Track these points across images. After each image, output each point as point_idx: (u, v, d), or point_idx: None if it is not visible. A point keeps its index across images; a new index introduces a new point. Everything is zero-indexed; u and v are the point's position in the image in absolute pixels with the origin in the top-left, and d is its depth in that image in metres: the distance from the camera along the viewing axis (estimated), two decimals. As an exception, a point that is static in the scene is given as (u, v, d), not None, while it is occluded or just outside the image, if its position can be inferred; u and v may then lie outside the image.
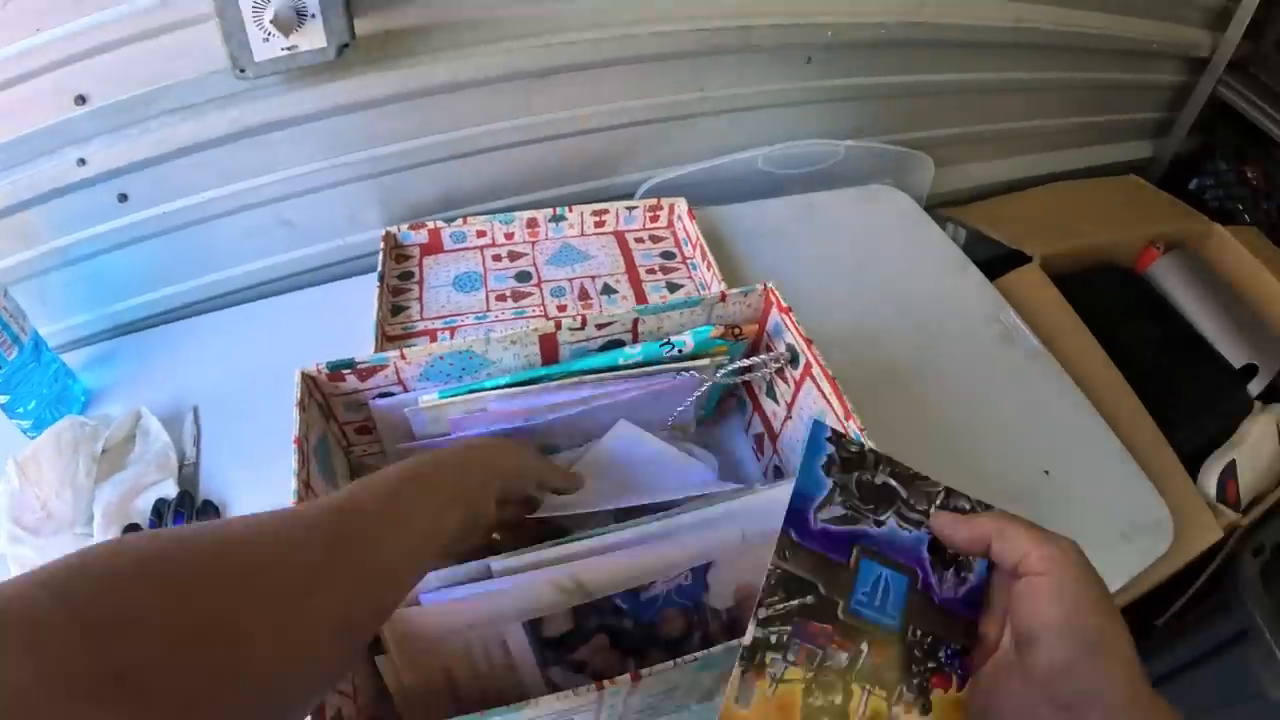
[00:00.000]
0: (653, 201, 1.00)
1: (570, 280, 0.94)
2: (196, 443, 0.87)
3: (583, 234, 0.99)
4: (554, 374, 0.66)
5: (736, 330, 0.76)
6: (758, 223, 1.06)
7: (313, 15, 0.75)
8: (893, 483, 0.38)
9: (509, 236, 0.98)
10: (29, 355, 0.88)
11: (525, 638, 0.53)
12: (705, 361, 0.76)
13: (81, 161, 0.85)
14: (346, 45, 0.80)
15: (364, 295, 0.91)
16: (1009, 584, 0.36)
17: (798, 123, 1.10)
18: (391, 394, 0.70)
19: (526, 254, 0.97)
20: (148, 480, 0.85)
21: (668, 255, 0.98)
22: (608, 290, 0.94)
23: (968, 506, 0.39)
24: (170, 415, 0.88)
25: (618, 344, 0.70)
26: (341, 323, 0.91)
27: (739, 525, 0.57)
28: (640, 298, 0.93)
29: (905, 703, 0.35)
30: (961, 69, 1.15)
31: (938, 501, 0.39)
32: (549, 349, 0.69)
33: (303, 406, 0.63)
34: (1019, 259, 1.15)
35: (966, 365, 0.92)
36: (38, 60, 0.75)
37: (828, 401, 0.63)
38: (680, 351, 0.73)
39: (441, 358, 0.66)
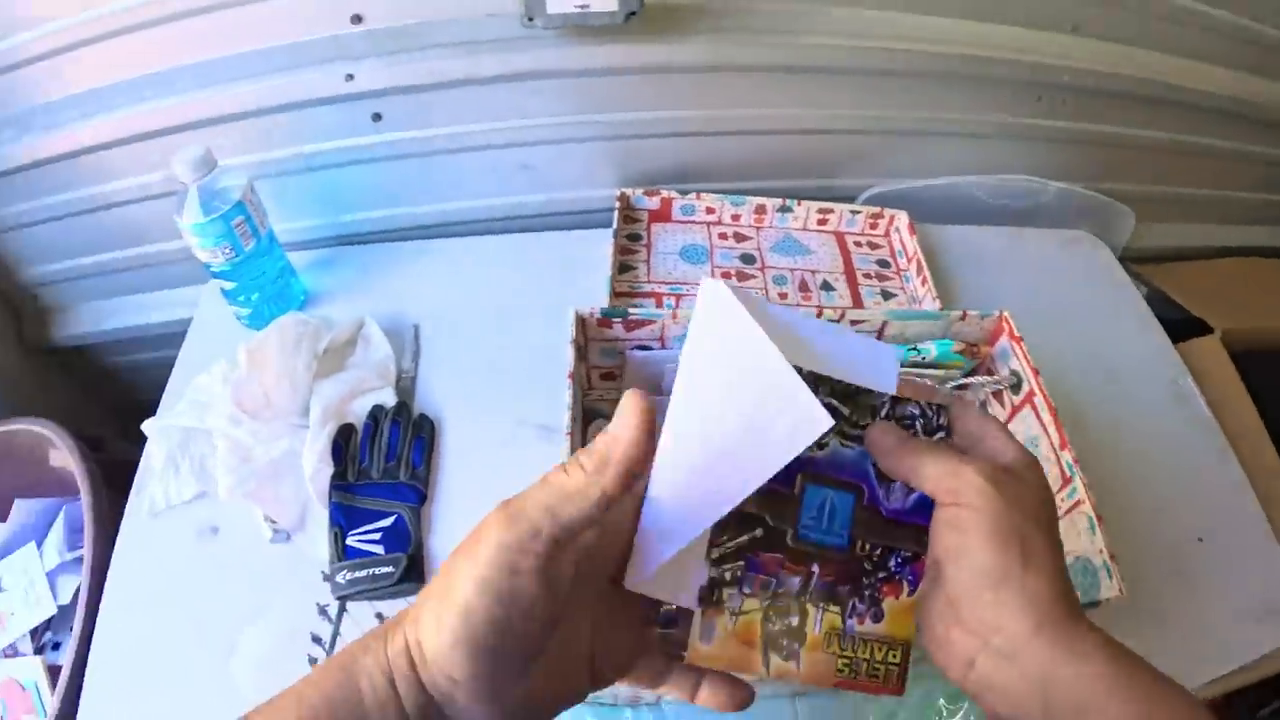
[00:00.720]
0: (876, 210, 1.01)
1: (792, 271, 0.95)
2: (416, 358, 0.89)
3: (805, 228, 1.00)
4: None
5: (975, 348, 0.77)
6: (965, 246, 1.07)
7: (610, -22, 0.78)
8: (834, 401, 0.37)
9: (735, 218, 0.99)
10: (263, 249, 0.90)
11: None
12: (938, 372, 0.77)
13: (349, 77, 0.87)
14: (634, 13, 0.82)
15: (589, 247, 0.93)
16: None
17: (1014, 156, 1.11)
18: (648, 348, 0.72)
19: (751, 238, 0.99)
20: (368, 385, 0.87)
21: (883, 263, 0.99)
22: (826, 287, 0.95)
23: (915, 412, 0.38)
24: (388, 329, 0.90)
25: None
26: (564, 269, 0.93)
27: None
28: (856, 299, 0.94)
29: (858, 615, 0.36)
30: (1176, 129, 1.15)
31: (882, 414, 0.37)
32: None
33: (577, 345, 0.64)
34: (1199, 327, 1.15)
35: (1138, 420, 0.92)
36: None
37: (1044, 429, 0.64)
38: (924, 359, 0.74)
39: None
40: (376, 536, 0.77)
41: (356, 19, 0.84)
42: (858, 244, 1.01)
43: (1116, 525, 0.75)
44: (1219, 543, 0.82)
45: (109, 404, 1.27)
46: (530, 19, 0.82)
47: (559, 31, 0.84)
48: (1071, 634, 0.31)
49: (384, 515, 0.78)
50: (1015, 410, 0.71)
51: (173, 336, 1.03)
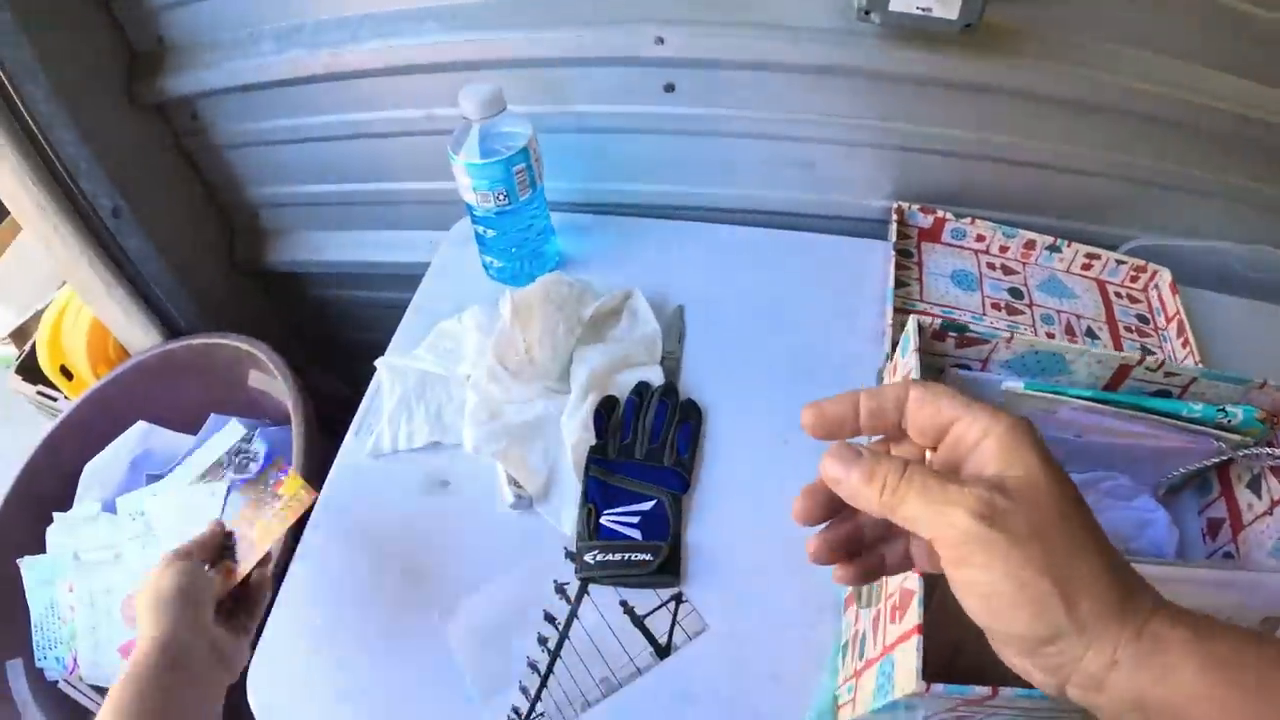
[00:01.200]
0: (1140, 263, 0.98)
1: (1058, 313, 0.93)
2: (681, 339, 0.87)
3: (1069, 271, 0.98)
4: (1123, 402, 0.66)
5: (1276, 417, 0.74)
6: (1219, 314, 1.03)
7: (953, -13, 0.76)
8: None
9: (1003, 250, 0.97)
10: (534, 202, 0.88)
11: None
12: (1235, 437, 0.75)
13: (660, 40, 0.84)
14: (971, 25, 0.79)
15: (860, 254, 0.91)
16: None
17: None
18: (970, 368, 0.69)
19: (1018, 272, 0.96)
20: (635, 359, 0.85)
21: (1142, 319, 0.96)
22: (1091, 334, 0.92)
23: None
24: (652, 304, 0.88)
25: (1164, 394, 0.69)
26: (834, 273, 0.91)
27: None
28: (1118, 350, 0.91)
29: None
30: None
31: None
32: (1119, 377, 0.68)
33: (921, 354, 0.62)
34: None
35: None
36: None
37: None
38: (1228, 422, 0.72)
39: (1036, 352, 0.66)
40: (634, 520, 0.73)
41: (681, -17, 0.82)
42: (1118, 295, 0.98)
43: None
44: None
45: (313, 336, 1.26)
46: (868, 13, 0.79)
47: (894, 31, 0.82)
48: (1153, 647, 0.27)
49: (644, 499, 0.74)
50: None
51: (395, 279, 1.01)
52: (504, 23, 0.88)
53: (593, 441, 0.77)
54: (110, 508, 0.97)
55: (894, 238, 0.90)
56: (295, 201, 1.09)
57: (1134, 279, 0.99)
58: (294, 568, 0.72)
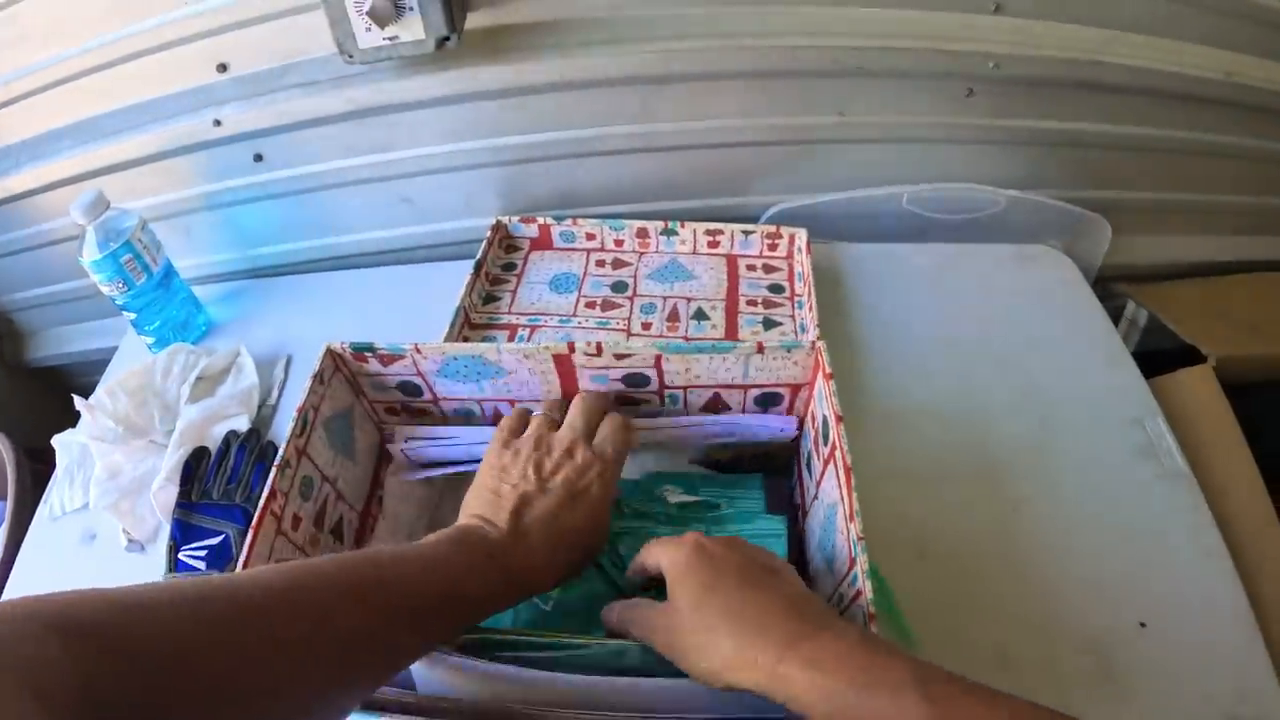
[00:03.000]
0: (772, 229, 0.94)
1: (665, 298, 0.90)
2: (281, 388, 0.92)
3: (694, 252, 0.95)
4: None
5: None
6: (889, 268, 0.97)
7: (410, 8, 0.76)
8: None
9: (618, 243, 0.95)
10: (157, 283, 0.96)
11: None
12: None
13: (217, 122, 0.91)
14: (446, 39, 0.80)
15: (463, 277, 0.91)
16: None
17: (954, 163, 0.99)
18: (412, 384, 0.69)
19: (631, 264, 0.94)
20: (229, 412, 0.91)
21: (776, 289, 0.92)
22: (700, 315, 0.89)
23: None
24: (269, 359, 0.94)
25: (640, 379, 0.65)
26: (434, 299, 0.92)
27: None
28: (731, 329, 0.88)
29: None
30: (1154, 124, 0.99)
31: None
32: (565, 371, 0.65)
33: (319, 379, 0.63)
34: (1189, 356, 0.99)
35: (1084, 476, 0.77)
36: (187, 29, 0.81)
37: (840, 492, 0.55)
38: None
39: (455, 358, 0.65)
40: (203, 554, 0.81)
41: (222, 68, 0.88)
42: (751, 268, 0.94)
43: (1032, 607, 0.67)
44: (1179, 626, 0.66)
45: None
46: (349, 56, 0.81)
47: (390, 63, 0.83)
48: (812, 655, 0.39)
49: (214, 534, 0.82)
50: (825, 465, 0.62)
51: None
52: (111, 130, 0.95)
53: (176, 488, 0.85)
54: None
55: (481, 253, 0.91)
56: (34, 304, 1.18)
57: (773, 246, 0.95)
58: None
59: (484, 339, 0.88)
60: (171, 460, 0.86)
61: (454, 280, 0.95)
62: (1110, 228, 1.03)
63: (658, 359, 0.63)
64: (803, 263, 0.91)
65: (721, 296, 0.91)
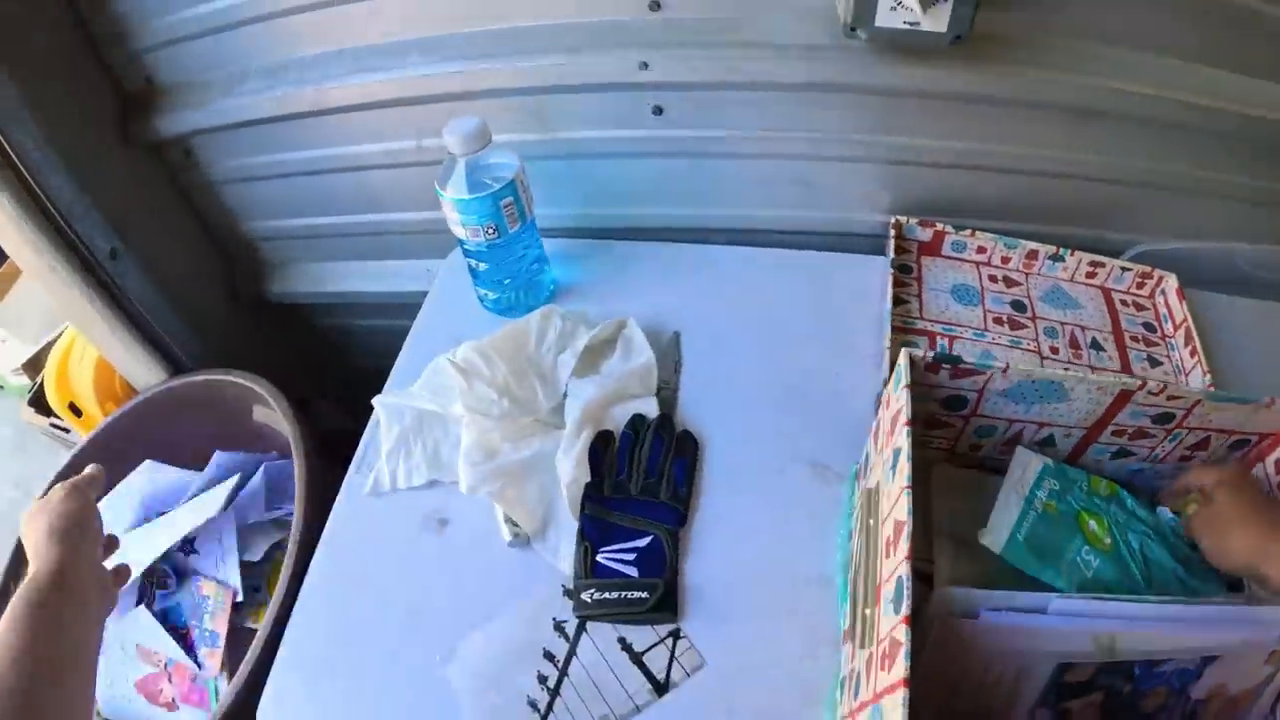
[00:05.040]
0: (1146, 269, 0.96)
1: (1062, 325, 0.91)
2: (678, 368, 0.86)
3: (1073, 280, 0.96)
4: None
5: None
6: (1224, 315, 1.01)
7: (944, 0, 0.73)
8: None
9: (1005, 260, 0.95)
10: (525, 234, 0.87)
11: (1049, 675, 0.56)
12: None
13: (644, 65, 0.84)
14: (960, 37, 0.78)
15: (857, 272, 0.90)
16: None
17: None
18: (963, 399, 0.68)
19: (1021, 284, 0.94)
20: (629, 391, 0.84)
21: (1149, 327, 0.94)
22: (1096, 346, 0.90)
23: None
24: (647, 332, 0.87)
25: (1168, 417, 0.67)
26: (833, 292, 0.90)
27: (1250, 629, 0.58)
28: (1125, 363, 0.90)
29: None
30: None
31: None
32: (1119, 403, 0.66)
33: (913, 389, 0.60)
34: None
35: None
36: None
37: None
38: None
39: (1034, 380, 0.65)
40: (630, 557, 0.73)
41: (655, 6, 0.81)
42: (1124, 303, 0.96)
43: None
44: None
45: (316, 365, 1.26)
46: (853, 29, 0.78)
47: (882, 45, 0.80)
48: None
49: (640, 535, 0.74)
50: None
51: (394, 308, 1.01)
52: (487, 53, 0.87)
53: (587, 479, 0.77)
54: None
55: (892, 253, 0.89)
56: (292, 234, 1.09)
57: (1140, 285, 0.97)
58: (299, 605, 0.73)
59: (903, 343, 0.86)
60: (576, 445, 0.79)
61: (840, 273, 0.93)
62: None
63: (1194, 404, 0.65)
64: (1171, 305, 0.94)
65: (1109, 329, 0.92)
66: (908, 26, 0.76)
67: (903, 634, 0.47)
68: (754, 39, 0.82)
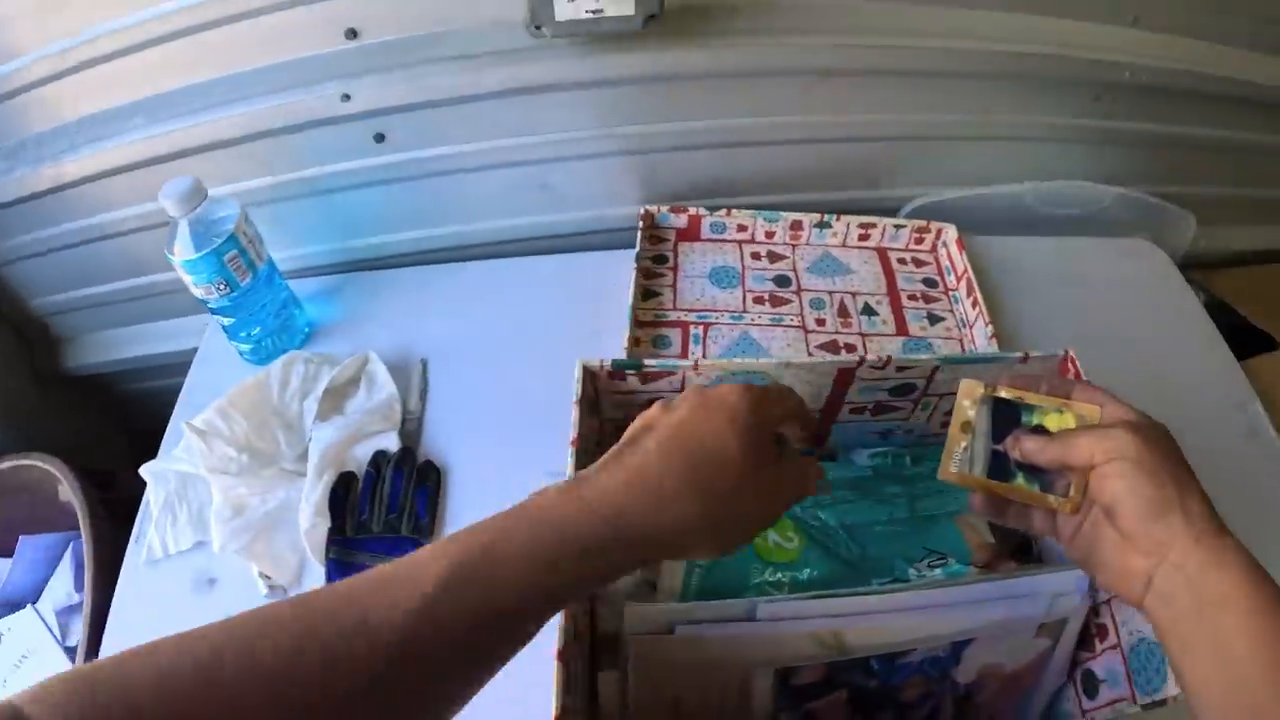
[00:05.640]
0: (922, 223, 0.93)
1: (830, 294, 0.89)
2: (423, 397, 0.84)
3: (844, 245, 0.93)
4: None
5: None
6: (1015, 260, 0.99)
7: (625, -18, 0.72)
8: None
9: (769, 235, 0.93)
10: (262, 282, 0.85)
11: (770, 682, 0.53)
12: None
13: (346, 97, 0.82)
14: (654, 16, 0.75)
15: (611, 270, 0.87)
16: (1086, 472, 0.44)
17: (1068, 161, 1.02)
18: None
19: (787, 257, 0.92)
20: (370, 429, 0.82)
21: (929, 282, 0.92)
22: (868, 311, 0.88)
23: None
24: (395, 363, 0.86)
25: (908, 388, 0.64)
26: (584, 295, 0.87)
27: (1005, 606, 0.55)
28: (901, 325, 0.87)
29: None
30: (1246, 128, 1.06)
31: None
32: (841, 384, 0.63)
33: (582, 405, 0.57)
34: (1264, 342, 1.06)
35: (1205, 457, 0.82)
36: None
37: None
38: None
39: (733, 375, 0.62)
40: None
41: (351, 34, 0.79)
42: (902, 261, 0.93)
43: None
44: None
45: (124, 434, 1.24)
46: (537, 27, 0.75)
47: (573, 39, 0.78)
48: (1221, 543, 0.40)
49: None
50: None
51: (184, 365, 0.98)
52: (204, 106, 0.85)
53: (328, 524, 0.75)
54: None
55: (639, 245, 0.86)
56: (76, 306, 1.06)
57: (919, 240, 0.95)
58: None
59: (655, 338, 0.83)
60: (316, 491, 0.77)
61: (592, 272, 0.90)
62: (1194, 221, 1.09)
63: (933, 371, 0.62)
64: (953, 257, 0.92)
65: (883, 291, 0.90)
66: (591, 15, 0.74)
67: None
68: (451, 53, 0.80)
